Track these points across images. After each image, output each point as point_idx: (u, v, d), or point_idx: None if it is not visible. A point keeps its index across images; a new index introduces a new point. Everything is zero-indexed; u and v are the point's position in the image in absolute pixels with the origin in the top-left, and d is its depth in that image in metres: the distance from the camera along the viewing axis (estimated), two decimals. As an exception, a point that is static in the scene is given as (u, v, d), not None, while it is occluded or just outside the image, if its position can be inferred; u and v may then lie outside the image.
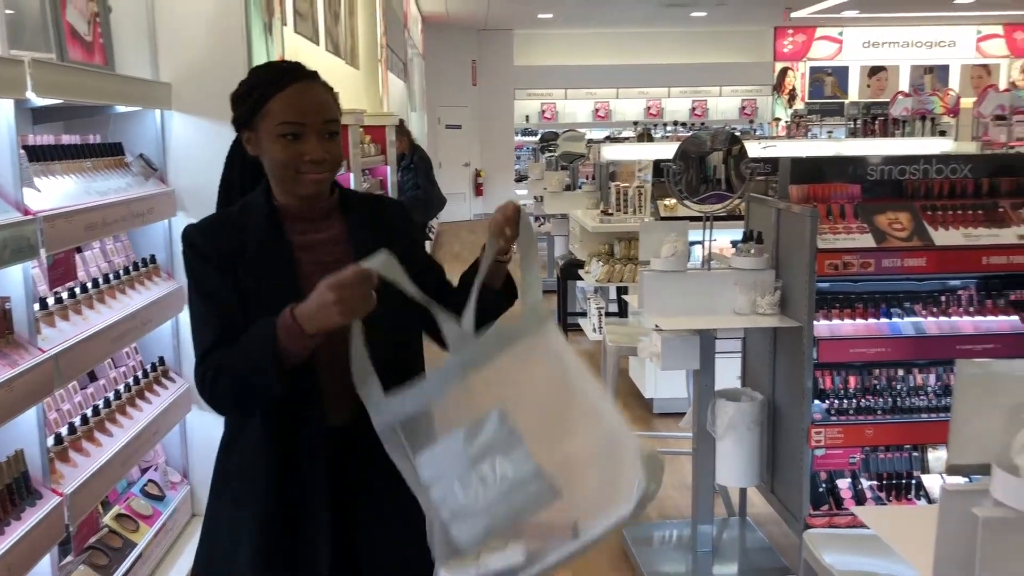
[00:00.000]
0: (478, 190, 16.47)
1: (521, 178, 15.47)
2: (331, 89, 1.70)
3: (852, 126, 11.72)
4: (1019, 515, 1.22)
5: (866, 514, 1.67)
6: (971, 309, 3.22)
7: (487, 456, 1.32)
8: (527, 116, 16.78)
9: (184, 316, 3.14)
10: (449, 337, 1.48)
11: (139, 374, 3.01)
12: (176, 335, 3.27)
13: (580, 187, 7.70)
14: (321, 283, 1.45)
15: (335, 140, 1.64)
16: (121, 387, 2.84)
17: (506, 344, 1.44)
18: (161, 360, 3.18)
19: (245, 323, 1.56)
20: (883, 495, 3.23)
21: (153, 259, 3.14)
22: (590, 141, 9.21)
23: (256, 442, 1.63)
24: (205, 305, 1.63)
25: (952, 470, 1.33)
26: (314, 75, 1.67)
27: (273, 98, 1.60)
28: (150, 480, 3.13)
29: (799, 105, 16.08)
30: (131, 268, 2.95)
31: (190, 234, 1.66)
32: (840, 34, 16.91)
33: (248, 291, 1.61)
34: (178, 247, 1.71)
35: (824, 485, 3.26)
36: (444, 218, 12.78)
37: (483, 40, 16.11)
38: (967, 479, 1.66)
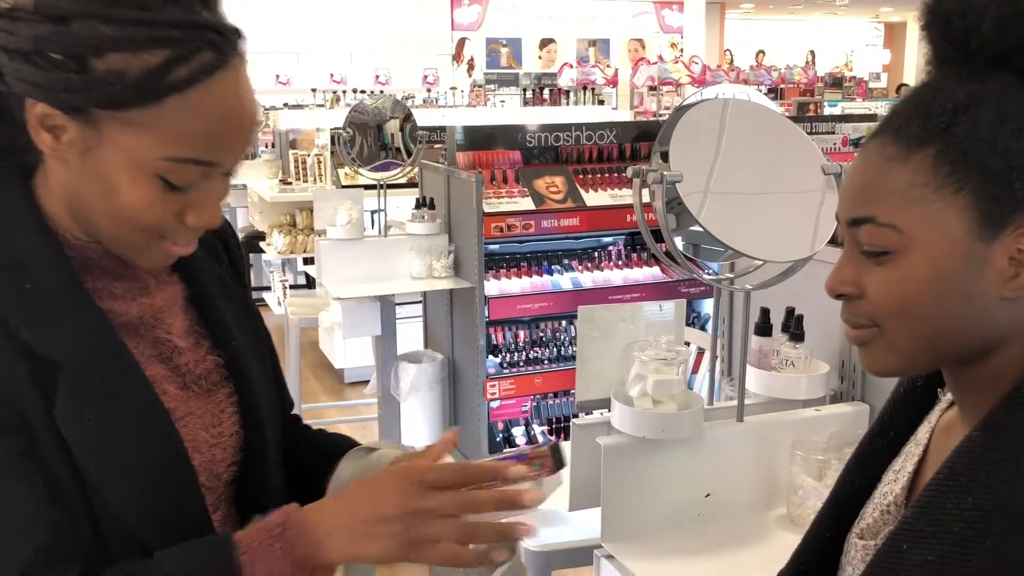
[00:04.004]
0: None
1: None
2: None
3: (525, 96, 12.39)
4: (633, 439, 1.40)
5: (517, 455, 1.81)
6: (620, 263, 3.57)
7: None
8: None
9: None
10: None
11: None
12: None
13: (259, 155, 7.47)
14: (371, 486, 0.83)
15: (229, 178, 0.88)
16: None
17: None
18: None
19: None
20: (553, 438, 3.51)
21: None
22: (269, 108, 8.94)
23: None
24: None
25: (581, 406, 1.49)
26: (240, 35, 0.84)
27: (182, 92, 0.78)
28: None
29: (478, 75, 16.70)
30: None
31: None
32: (513, 5, 17.71)
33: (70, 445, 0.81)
34: None
35: (501, 435, 3.48)
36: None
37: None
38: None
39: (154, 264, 0.89)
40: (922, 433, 0.84)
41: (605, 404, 1.46)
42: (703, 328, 3.52)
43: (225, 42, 0.81)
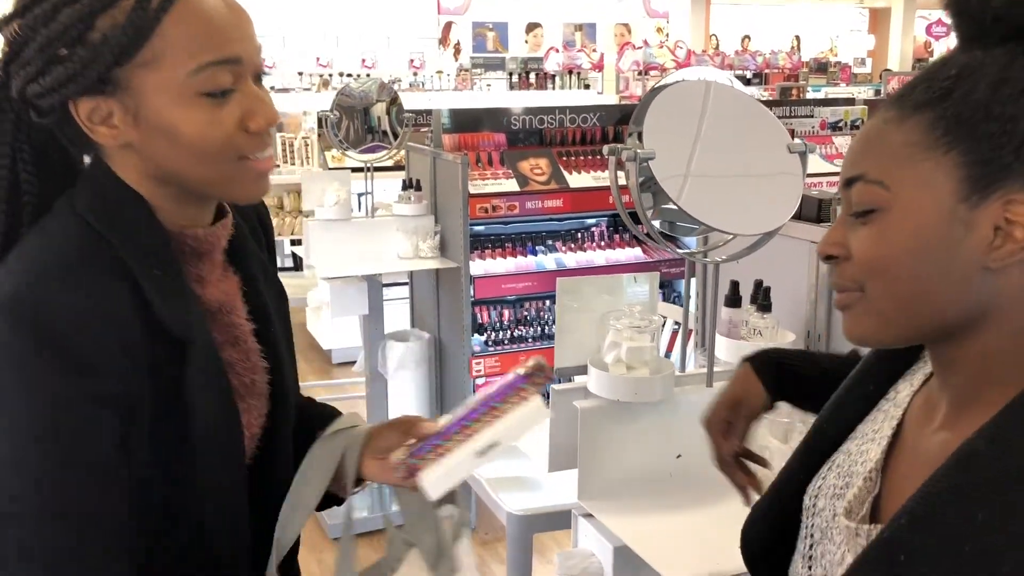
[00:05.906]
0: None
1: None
2: None
3: (511, 80, 12.42)
4: (608, 403, 1.48)
5: (500, 422, 1.90)
6: (602, 243, 3.65)
7: None
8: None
9: None
10: None
11: None
12: None
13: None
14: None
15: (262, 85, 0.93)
16: None
17: None
18: None
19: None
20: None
21: None
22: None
23: None
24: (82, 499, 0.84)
25: (560, 373, 1.57)
26: None
27: (168, 11, 0.84)
28: None
29: (464, 59, 16.70)
30: None
31: (52, 324, 0.82)
32: (498, -9, 17.67)
33: (170, 440, 0.90)
34: None
35: (486, 411, 3.57)
36: None
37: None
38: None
39: (254, 194, 0.95)
40: (903, 394, 0.83)
41: (583, 371, 1.54)
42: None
43: None
